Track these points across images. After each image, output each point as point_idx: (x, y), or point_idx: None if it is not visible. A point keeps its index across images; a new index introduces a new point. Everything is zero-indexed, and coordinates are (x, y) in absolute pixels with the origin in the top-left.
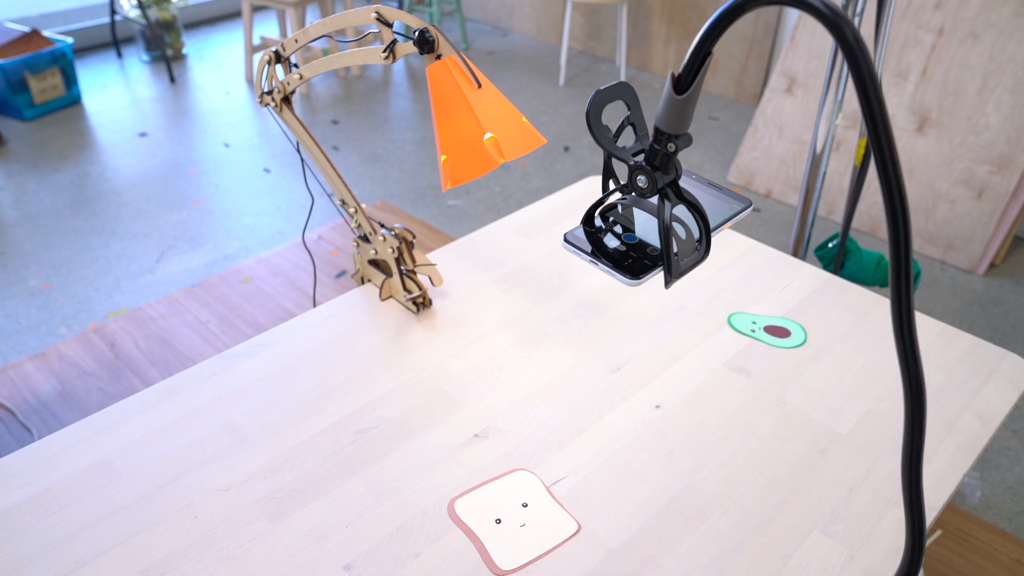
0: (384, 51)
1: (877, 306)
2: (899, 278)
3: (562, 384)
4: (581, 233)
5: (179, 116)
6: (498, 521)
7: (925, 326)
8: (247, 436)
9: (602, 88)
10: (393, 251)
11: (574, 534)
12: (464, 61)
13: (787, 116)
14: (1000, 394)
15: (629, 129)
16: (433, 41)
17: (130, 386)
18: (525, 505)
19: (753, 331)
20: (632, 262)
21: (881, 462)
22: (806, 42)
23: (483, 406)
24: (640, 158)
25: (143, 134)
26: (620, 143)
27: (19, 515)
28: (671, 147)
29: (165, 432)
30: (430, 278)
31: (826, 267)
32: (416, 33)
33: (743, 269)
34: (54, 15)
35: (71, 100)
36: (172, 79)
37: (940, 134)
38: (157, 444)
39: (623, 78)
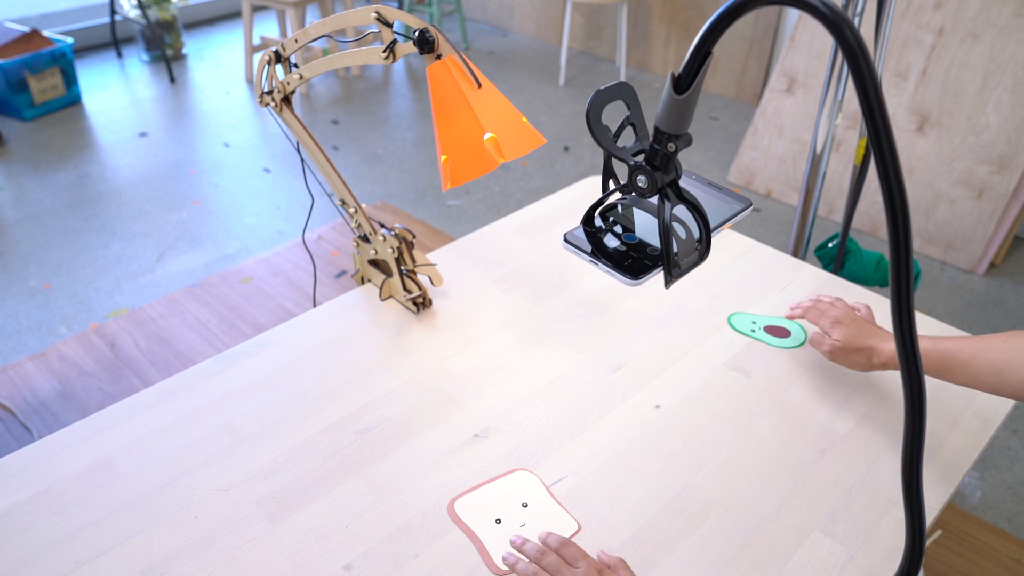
0: (384, 51)
1: (877, 306)
2: (899, 278)
3: (562, 384)
4: (581, 233)
5: (179, 116)
6: (498, 521)
7: (925, 326)
8: (247, 436)
9: (602, 88)
10: (393, 251)
11: (574, 534)
12: (464, 61)
13: (787, 116)
14: None
15: (629, 129)
16: (433, 41)
17: (130, 386)
18: (525, 505)
19: (753, 331)
20: (632, 262)
21: (881, 462)
22: (806, 42)
23: (483, 406)
24: (640, 158)
25: (143, 134)
26: (620, 143)
27: (19, 515)
28: (671, 147)
29: (165, 432)
30: (430, 278)
31: (826, 267)
32: (416, 33)
33: (743, 269)
34: (54, 15)
35: (71, 100)
36: (172, 79)
37: (940, 134)
38: (157, 444)
39: (623, 78)
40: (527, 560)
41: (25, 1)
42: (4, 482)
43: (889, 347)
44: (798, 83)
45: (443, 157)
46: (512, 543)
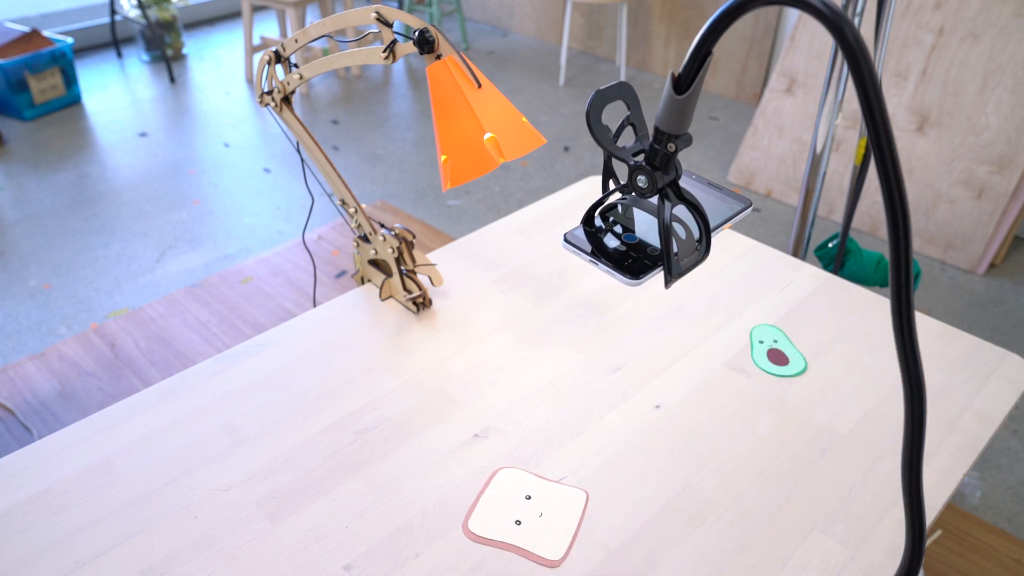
0: (384, 51)
1: (877, 306)
2: (899, 278)
3: (562, 384)
4: (581, 233)
5: (179, 116)
6: (518, 523)
7: (925, 326)
8: (247, 436)
9: (602, 88)
10: (393, 251)
11: (587, 500)
12: (464, 61)
13: (787, 116)
14: (1000, 394)
15: (629, 129)
16: (433, 41)
17: (130, 386)
18: (529, 497)
19: (762, 342)
20: (632, 262)
21: (881, 462)
22: (806, 42)
23: (483, 406)
24: (640, 158)
25: (143, 134)
26: (620, 143)
27: (19, 515)
28: (671, 147)
29: (165, 432)
30: (430, 278)
31: (826, 267)
32: (416, 33)
33: (743, 269)
34: (54, 15)
35: (71, 100)
36: (172, 79)
37: (940, 134)
38: (157, 444)
39: (623, 78)
40: None
41: (25, 1)
42: (4, 482)
43: None
44: (798, 83)
45: (443, 157)
46: None
